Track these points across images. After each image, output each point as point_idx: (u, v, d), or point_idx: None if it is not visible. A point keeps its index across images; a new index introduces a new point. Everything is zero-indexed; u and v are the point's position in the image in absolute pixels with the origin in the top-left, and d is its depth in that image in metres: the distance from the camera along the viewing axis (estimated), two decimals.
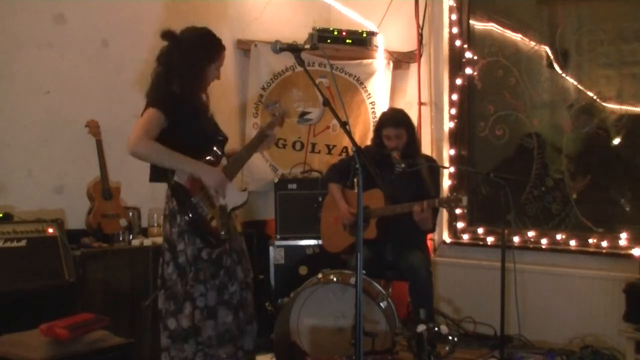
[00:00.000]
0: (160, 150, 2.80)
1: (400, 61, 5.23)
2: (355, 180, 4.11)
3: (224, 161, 3.06)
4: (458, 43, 4.92)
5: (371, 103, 5.19)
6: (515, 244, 4.42)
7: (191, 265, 2.86)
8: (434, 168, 4.14)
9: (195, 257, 2.87)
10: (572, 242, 4.35)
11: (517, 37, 4.67)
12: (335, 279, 3.55)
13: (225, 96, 4.91)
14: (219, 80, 3.06)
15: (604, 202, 4.30)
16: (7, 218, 3.62)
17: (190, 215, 2.83)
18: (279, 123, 3.36)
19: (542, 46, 4.56)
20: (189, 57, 2.90)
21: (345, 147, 5.12)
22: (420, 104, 5.04)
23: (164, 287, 2.93)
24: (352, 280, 3.48)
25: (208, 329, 2.88)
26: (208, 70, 2.97)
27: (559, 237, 4.42)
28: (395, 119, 4.04)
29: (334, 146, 5.16)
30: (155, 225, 4.21)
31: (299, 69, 4.94)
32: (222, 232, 2.91)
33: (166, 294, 2.89)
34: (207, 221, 2.88)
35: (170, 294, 2.88)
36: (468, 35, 4.91)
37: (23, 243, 3.48)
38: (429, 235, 4.51)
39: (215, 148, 3.01)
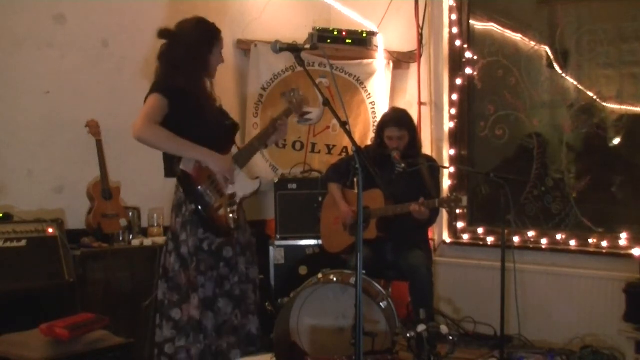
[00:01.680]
0: (166, 135, 2.80)
1: (400, 61, 5.23)
2: (355, 180, 4.11)
3: (234, 149, 3.05)
4: (458, 43, 4.92)
5: (371, 103, 5.19)
6: (515, 244, 4.42)
7: (193, 256, 2.86)
8: (434, 168, 4.14)
9: (197, 248, 2.87)
10: (572, 242, 4.35)
11: (517, 37, 4.67)
12: (335, 279, 3.55)
13: (225, 96, 4.86)
14: (223, 63, 3.06)
15: (604, 202, 4.29)
16: (7, 218, 3.62)
17: (196, 203, 2.82)
18: (295, 110, 3.29)
19: (542, 46, 4.56)
20: (190, 49, 2.91)
21: (345, 147, 5.12)
22: (420, 104, 5.04)
23: (164, 275, 2.92)
24: (352, 280, 3.47)
25: (206, 319, 2.88)
26: (211, 56, 2.99)
27: (559, 237, 4.42)
28: (398, 120, 4.03)
29: (334, 146, 5.16)
30: (155, 225, 4.22)
31: (299, 69, 4.94)
32: (230, 222, 2.91)
33: (169, 285, 2.88)
34: (214, 210, 2.87)
35: (174, 285, 2.87)
36: (468, 35, 4.90)
37: (23, 243, 3.49)
38: (429, 235, 4.50)
39: (223, 137, 2.99)
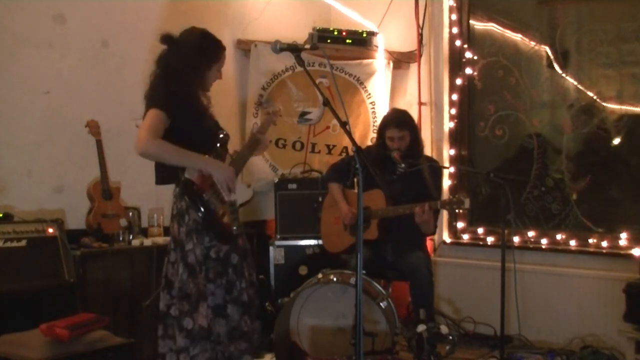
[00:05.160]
0: (170, 147, 2.80)
1: (400, 61, 5.24)
2: (355, 180, 4.11)
3: (228, 158, 3.06)
4: (458, 43, 4.92)
5: (371, 103, 5.19)
6: (515, 244, 4.42)
7: (201, 264, 2.86)
8: (436, 169, 4.14)
9: (205, 256, 2.87)
10: (572, 242, 4.35)
11: (517, 37, 4.67)
12: (335, 279, 3.55)
13: (225, 96, 4.90)
14: (220, 79, 3.06)
15: (604, 202, 4.29)
16: (7, 218, 3.62)
17: (203, 211, 2.83)
18: (273, 121, 3.35)
19: (542, 46, 4.56)
20: (188, 60, 2.89)
21: (345, 147, 5.12)
22: (420, 104, 5.05)
23: (167, 287, 2.92)
24: (352, 280, 3.48)
25: (217, 326, 2.89)
26: (209, 72, 2.98)
27: (559, 237, 4.42)
28: (398, 121, 4.03)
29: (334, 146, 5.16)
30: (155, 225, 4.22)
31: (299, 69, 4.94)
32: (234, 228, 2.92)
33: (178, 295, 2.88)
34: (219, 217, 2.88)
35: (182, 294, 2.87)
36: (468, 35, 4.91)
37: (23, 243, 3.49)
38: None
39: (218, 146, 3.01)
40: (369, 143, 4.95)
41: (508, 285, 3.75)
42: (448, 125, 4.97)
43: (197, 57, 2.92)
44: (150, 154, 2.83)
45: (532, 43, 4.60)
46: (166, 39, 2.93)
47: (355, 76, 5.16)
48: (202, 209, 2.84)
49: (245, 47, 5.02)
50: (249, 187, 3.15)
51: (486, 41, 4.83)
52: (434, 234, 4.24)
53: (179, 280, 2.88)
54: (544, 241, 4.47)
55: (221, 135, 3.03)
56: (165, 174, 2.96)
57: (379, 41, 5.14)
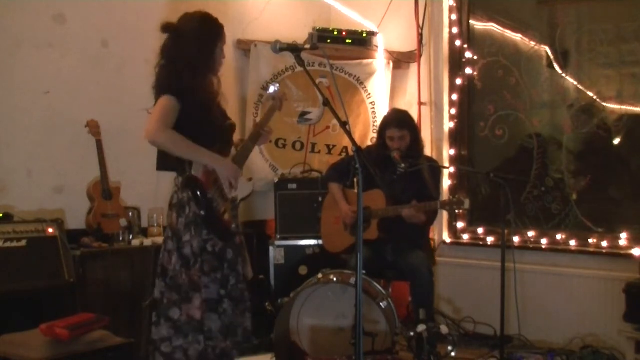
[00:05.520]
0: (180, 139, 2.79)
1: (400, 61, 5.23)
2: (355, 180, 4.11)
3: (233, 150, 3.06)
4: (458, 43, 4.92)
5: (371, 103, 5.19)
6: (515, 244, 4.42)
7: (197, 257, 2.85)
8: (436, 169, 4.15)
9: (201, 249, 2.86)
10: (572, 242, 4.35)
11: (517, 37, 4.68)
12: (335, 279, 3.55)
13: (225, 96, 4.89)
14: (224, 58, 3.05)
15: (604, 202, 4.29)
16: (7, 218, 3.62)
17: (206, 210, 2.83)
18: (279, 107, 3.32)
19: (542, 46, 4.56)
20: (195, 46, 2.88)
21: (345, 147, 5.12)
22: (420, 104, 5.04)
23: (163, 274, 2.92)
24: (352, 280, 3.48)
25: (210, 321, 2.88)
26: (215, 52, 2.96)
27: (559, 237, 4.42)
28: (398, 121, 4.04)
29: (334, 146, 5.16)
30: (155, 225, 4.22)
31: (299, 69, 4.94)
32: (234, 225, 2.92)
33: (169, 284, 2.88)
34: (220, 215, 2.88)
35: (173, 284, 2.86)
36: (468, 35, 4.91)
37: (23, 243, 3.49)
38: (430, 235, 4.50)
39: (224, 138, 3.00)
40: (369, 143, 4.95)
41: (508, 285, 3.75)
42: (448, 125, 4.97)
43: (201, 41, 2.90)
44: (159, 144, 2.82)
45: (532, 43, 4.60)
46: (168, 27, 2.93)
47: (355, 76, 5.16)
48: (206, 209, 2.83)
49: (245, 47, 5.02)
50: (250, 180, 3.13)
51: (486, 41, 4.83)
52: (429, 224, 4.20)
53: (172, 269, 2.87)
54: (544, 241, 4.47)
55: (228, 126, 3.02)
56: (168, 162, 2.94)
57: (379, 41, 5.14)
